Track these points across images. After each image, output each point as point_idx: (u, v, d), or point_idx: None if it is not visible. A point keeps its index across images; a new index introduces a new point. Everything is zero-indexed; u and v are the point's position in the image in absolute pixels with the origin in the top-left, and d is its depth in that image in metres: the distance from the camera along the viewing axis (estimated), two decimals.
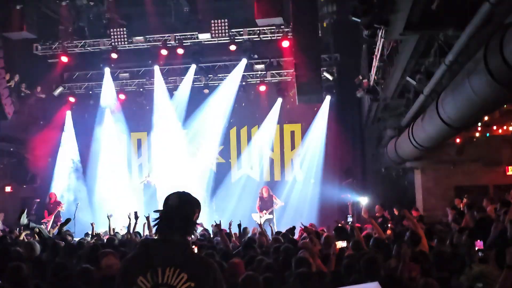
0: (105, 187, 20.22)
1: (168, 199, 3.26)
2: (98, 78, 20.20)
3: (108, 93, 20.11)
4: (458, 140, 16.69)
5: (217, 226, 7.92)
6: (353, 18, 10.65)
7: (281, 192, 19.09)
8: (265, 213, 16.97)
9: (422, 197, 17.86)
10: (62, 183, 20.06)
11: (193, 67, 19.34)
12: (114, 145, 20.71)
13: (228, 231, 10.73)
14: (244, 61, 19.00)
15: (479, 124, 15.76)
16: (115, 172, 20.55)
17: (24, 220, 12.40)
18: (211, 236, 11.81)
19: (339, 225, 10.72)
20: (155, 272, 3.05)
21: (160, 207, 3.33)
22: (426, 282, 5.04)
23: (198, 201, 3.35)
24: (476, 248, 5.69)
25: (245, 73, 19.39)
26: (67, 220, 12.61)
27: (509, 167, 17.28)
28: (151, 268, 3.06)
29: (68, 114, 20.83)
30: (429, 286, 4.94)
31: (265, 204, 17.30)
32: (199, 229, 12.62)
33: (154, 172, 19.19)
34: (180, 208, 3.21)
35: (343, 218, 16.95)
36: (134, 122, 20.67)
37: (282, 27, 17.50)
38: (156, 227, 3.24)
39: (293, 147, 20.03)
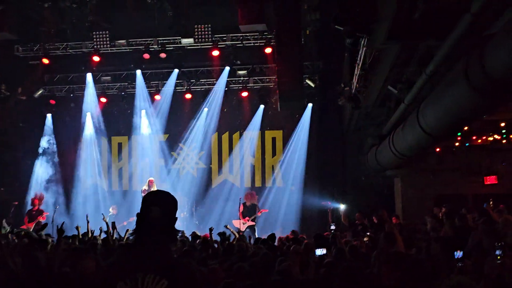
0: (83, 191, 20.10)
1: (149, 210, 3.17)
2: (79, 81, 20.04)
3: (90, 97, 19.96)
4: (438, 150, 16.85)
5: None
6: (336, 27, 10.71)
7: (261, 198, 19.08)
8: (248, 220, 16.90)
9: (401, 205, 18.00)
10: (41, 186, 19.81)
11: (175, 72, 19.27)
12: (95, 149, 20.56)
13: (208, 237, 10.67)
14: (227, 69, 19.01)
15: (459, 134, 15.92)
16: (94, 176, 20.43)
17: (5, 229, 12.25)
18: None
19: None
20: (135, 278, 3.01)
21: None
22: None
23: (176, 202, 3.30)
24: (456, 257, 5.72)
25: (228, 79, 19.37)
26: (44, 226, 12.43)
27: (488, 177, 17.48)
28: (131, 273, 3.02)
29: (48, 116, 20.61)
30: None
31: (249, 211, 17.19)
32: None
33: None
34: (162, 222, 3.17)
35: (323, 225, 17.04)
36: (115, 126, 20.54)
37: (265, 33, 17.55)
38: (135, 234, 3.20)
39: (274, 153, 20.03)
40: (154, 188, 17.42)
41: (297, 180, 19.41)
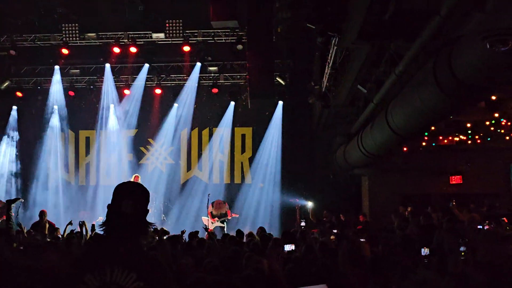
0: (49, 185, 19.88)
1: (120, 205, 3.15)
2: (47, 73, 19.72)
3: (57, 90, 19.70)
4: (405, 149, 17.09)
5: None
6: (308, 25, 10.78)
7: (230, 195, 19.11)
8: (217, 221, 16.86)
9: (368, 204, 18.21)
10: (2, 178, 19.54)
11: (146, 67, 19.13)
12: (61, 143, 20.33)
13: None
14: (198, 65, 18.95)
15: (426, 134, 16.18)
16: (61, 170, 20.19)
17: None
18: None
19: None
20: (103, 270, 2.98)
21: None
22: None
23: (148, 194, 3.27)
24: (423, 254, 5.84)
25: (199, 75, 19.28)
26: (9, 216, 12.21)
27: (453, 177, 17.82)
28: (99, 266, 2.99)
29: (14, 109, 20.28)
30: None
31: (218, 214, 17.09)
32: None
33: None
34: (134, 216, 3.15)
35: (291, 222, 17.14)
36: (83, 120, 20.27)
37: (237, 30, 17.53)
38: (105, 226, 3.17)
39: (243, 150, 20.04)
40: None
41: (266, 177, 19.48)
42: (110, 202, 3.18)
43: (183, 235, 10.83)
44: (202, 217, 17.22)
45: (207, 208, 17.00)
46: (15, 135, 20.33)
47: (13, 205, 11.30)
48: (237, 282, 5.26)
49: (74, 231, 11.15)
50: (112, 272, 2.97)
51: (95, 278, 2.96)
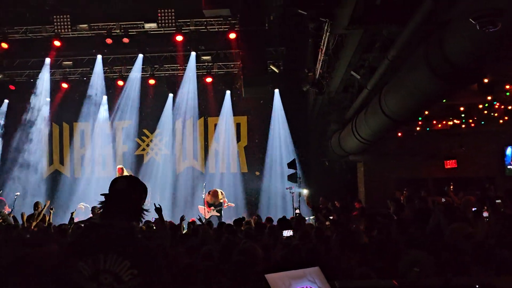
0: (45, 178, 19.91)
1: (115, 183, 3.22)
2: (40, 66, 19.61)
3: (50, 82, 19.66)
4: (399, 134, 17.13)
5: (158, 209, 7.54)
6: (299, 11, 10.75)
7: (226, 184, 19.12)
8: (213, 210, 16.88)
9: (364, 189, 18.26)
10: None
11: (140, 57, 19.08)
12: (55, 135, 20.32)
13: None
14: (193, 54, 18.93)
15: (420, 118, 16.22)
16: (55, 163, 20.21)
17: None
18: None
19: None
20: (97, 257, 2.99)
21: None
22: (362, 272, 5.17)
23: (146, 186, 3.31)
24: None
25: (191, 65, 19.24)
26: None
27: (447, 161, 17.88)
28: (93, 253, 3.00)
29: (5, 102, 20.22)
30: (365, 275, 5.07)
31: (214, 205, 17.11)
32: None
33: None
34: (127, 192, 3.17)
35: (287, 209, 17.19)
36: (77, 111, 20.19)
37: (229, 19, 17.45)
38: (101, 213, 3.19)
39: (238, 139, 20.03)
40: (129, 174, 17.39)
41: (262, 165, 19.51)
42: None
43: (183, 222, 10.86)
44: (198, 206, 17.26)
45: (203, 197, 17.03)
46: (9, 128, 20.22)
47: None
48: (228, 268, 5.28)
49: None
50: (105, 259, 2.99)
51: (89, 265, 2.98)
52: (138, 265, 3.01)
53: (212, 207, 16.81)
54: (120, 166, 17.77)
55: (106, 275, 2.98)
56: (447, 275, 3.93)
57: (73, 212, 12.53)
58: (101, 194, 3.21)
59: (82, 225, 11.53)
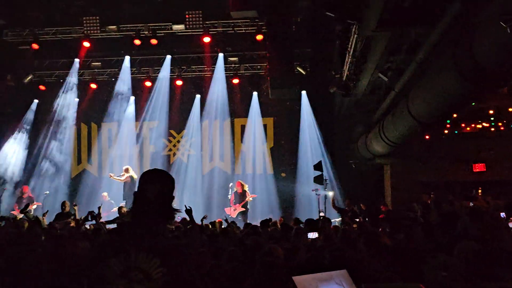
0: (73, 177, 20.20)
1: (146, 190, 3.23)
2: (69, 66, 19.86)
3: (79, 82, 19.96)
4: (427, 137, 16.98)
5: (188, 211, 7.65)
6: (327, 13, 10.75)
7: (252, 185, 19.12)
8: (239, 206, 17.00)
9: (390, 193, 18.12)
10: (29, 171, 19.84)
11: (168, 58, 19.26)
12: (84, 135, 20.61)
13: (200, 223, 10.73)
14: (221, 55, 19.05)
15: (448, 121, 16.06)
16: (84, 162, 20.50)
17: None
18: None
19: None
20: (128, 255, 3.05)
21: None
22: (387, 276, 5.14)
23: (173, 180, 3.34)
24: None
25: (219, 66, 19.32)
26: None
27: (476, 165, 17.65)
28: (124, 251, 3.06)
29: (35, 102, 20.54)
30: (391, 279, 5.04)
31: (239, 198, 17.32)
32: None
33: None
34: (159, 199, 3.21)
35: (313, 211, 17.13)
36: (105, 112, 20.43)
37: (256, 20, 17.49)
38: (132, 212, 3.24)
39: (265, 140, 20.02)
40: (133, 175, 17.68)
41: (288, 167, 19.49)
42: (136, 189, 3.26)
43: (204, 220, 10.91)
44: (225, 208, 17.36)
45: (229, 197, 17.17)
46: (28, 128, 20.49)
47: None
48: (253, 269, 5.31)
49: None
50: (136, 256, 3.04)
51: (120, 262, 3.04)
52: (167, 263, 3.06)
53: (238, 204, 16.94)
54: (126, 166, 18.03)
55: (136, 272, 3.03)
56: (475, 280, 3.91)
57: (100, 207, 12.65)
58: (133, 194, 3.26)
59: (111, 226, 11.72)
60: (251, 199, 17.39)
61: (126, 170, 17.75)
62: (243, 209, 16.96)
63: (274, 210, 18.26)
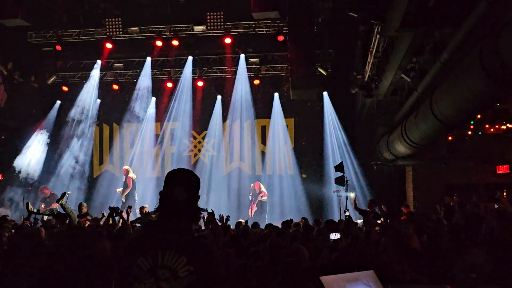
0: (97, 178, 20.36)
1: (172, 190, 3.23)
2: (92, 67, 20.07)
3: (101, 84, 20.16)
4: (450, 138, 16.83)
5: (210, 214, 7.76)
6: (350, 13, 10.70)
7: (272, 186, 19.14)
8: (253, 206, 17.18)
9: (413, 194, 17.99)
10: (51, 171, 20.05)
11: (190, 59, 19.35)
12: (106, 135, 20.81)
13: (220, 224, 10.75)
14: (242, 56, 19.12)
15: (472, 122, 15.90)
16: (106, 163, 20.68)
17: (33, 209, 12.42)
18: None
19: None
20: (155, 254, 3.08)
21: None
22: (414, 276, 5.11)
23: (198, 180, 3.35)
24: None
25: (240, 67, 19.35)
26: (63, 195, 12.66)
27: (499, 166, 17.43)
28: (152, 249, 3.09)
29: (57, 103, 20.75)
30: (417, 280, 5.00)
31: (256, 198, 17.50)
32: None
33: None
34: (185, 199, 3.22)
35: (334, 212, 17.10)
36: (127, 112, 20.56)
37: (277, 21, 17.50)
38: (158, 212, 3.25)
39: (285, 141, 19.99)
40: (133, 176, 17.96)
41: (309, 168, 19.44)
42: (162, 189, 3.28)
43: (228, 222, 10.92)
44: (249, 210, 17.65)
45: (250, 198, 17.28)
46: (54, 128, 20.68)
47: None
48: (278, 269, 5.30)
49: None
50: (163, 255, 3.07)
51: (148, 261, 3.06)
52: (194, 262, 3.08)
53: (253, 204, 17.15)
54: (126, 167, 18.23)
55: (163, 271, 3.05)
56: (504, 281, 3.86)
57: (130, 206, 12.68)
58: (159, 193, 3.27)
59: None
60: (263, 199, 17.50)
61: (126, 172, 17.90)
62: (257, 208, 17.15)
63: (294, 211, 18.19)
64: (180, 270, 3.05)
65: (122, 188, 17.78)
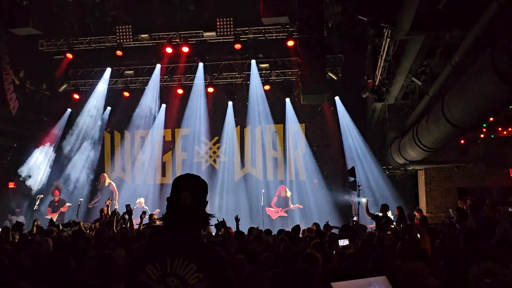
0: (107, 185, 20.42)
1: (179, 197, 3.18)
2: (102, 75, 20.15)
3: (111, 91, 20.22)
4: (462, 142, 16.71)
5: (221, 223, 7.73)
6: (360, 17, 10.67)
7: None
8: (281, 211, 17.18)
9: (425, 198, 17.87)
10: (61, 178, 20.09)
11: (201, 65, 19.38)
12: (117, 142, 20.87)
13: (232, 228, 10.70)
14: (253, 62, 19.12)
15: (484, 125, 15.78)
16: (117, 170, 20.74)
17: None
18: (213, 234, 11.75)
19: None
20: (164, 261, 3.04)
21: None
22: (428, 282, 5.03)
23: (206, 185, 3.28)
24: None
25: (250, 72, 19.36)
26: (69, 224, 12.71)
27: None
28: (160, 257, 3.05)
29: (68, 111, 20.81)
30: (430, 285, 4.92)
31: (281, 202, 17.46)
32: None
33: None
34: (193, 207, 3.18)
35: (345, 217, 17.01)
36: (138, 119, 20.60)
37: (287, 26, 17.49)
38: (166, 218, 3.21)
39: (296, 146, 19.92)
40: (108, 182, 18.19)
41: (320, 173, 19.36)
42: (169, 195, 3.23)
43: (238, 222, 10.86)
44: (266, 207, 17.51)
45: (262, 204, 17.22)
46: (65, 135, 20.74)
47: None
48: (291, 275, 5.26)
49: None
50: (172, 263, 3.03)
51: (156, 269, 3.03)
52: (204, 269, 3.04)
53: (280, 208, 17.09)
54: (104, 174, 18.57)
55: (172, 278, 3.01)
56: None
57: (144, 212, 12.66)
58: (166, 199, 3.23)
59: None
60: (293, 207, 17.56)
61: (104, 179, 18.13)
62: (285, 215, 17.16)
63: (306, 217, 18.10)
64: (189, 277, 3.01)
65: (109, 197, 17.75)
